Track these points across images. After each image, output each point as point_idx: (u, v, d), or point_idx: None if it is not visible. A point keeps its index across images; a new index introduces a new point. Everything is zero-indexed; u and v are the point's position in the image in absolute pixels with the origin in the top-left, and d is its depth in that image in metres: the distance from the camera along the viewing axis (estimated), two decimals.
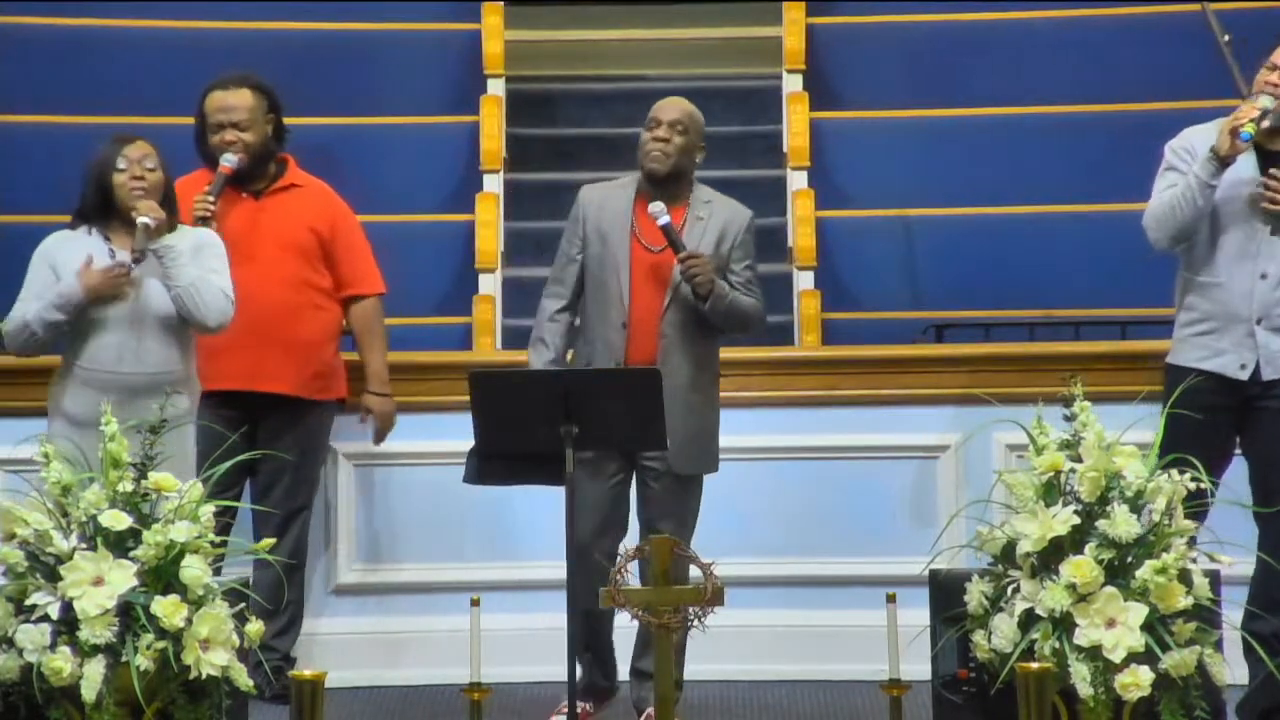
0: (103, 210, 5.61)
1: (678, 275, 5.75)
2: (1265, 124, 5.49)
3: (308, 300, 6.14)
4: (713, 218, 5.84)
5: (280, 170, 6.24)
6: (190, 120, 6.30)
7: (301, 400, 6.12)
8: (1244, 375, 5.55)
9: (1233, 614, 5.14)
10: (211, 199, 5.97)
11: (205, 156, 6.20)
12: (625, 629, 5.76)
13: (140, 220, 5.50)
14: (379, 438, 6.37)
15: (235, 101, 6.17)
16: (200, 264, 5.60)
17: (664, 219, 5.72)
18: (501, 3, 8.94)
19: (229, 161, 6.07)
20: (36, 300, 5.57)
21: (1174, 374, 5.58)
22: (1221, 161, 5.48)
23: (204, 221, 5.92)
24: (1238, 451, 5.61)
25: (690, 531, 5.78)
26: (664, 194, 5.80)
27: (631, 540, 5.72)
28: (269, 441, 5.93)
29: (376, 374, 6.30)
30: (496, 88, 8.72)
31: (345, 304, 6.28)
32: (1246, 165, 5.57)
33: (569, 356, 5.93)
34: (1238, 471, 5.54)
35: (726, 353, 6.02)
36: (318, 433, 6.24)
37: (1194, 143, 5.62)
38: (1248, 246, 5.58)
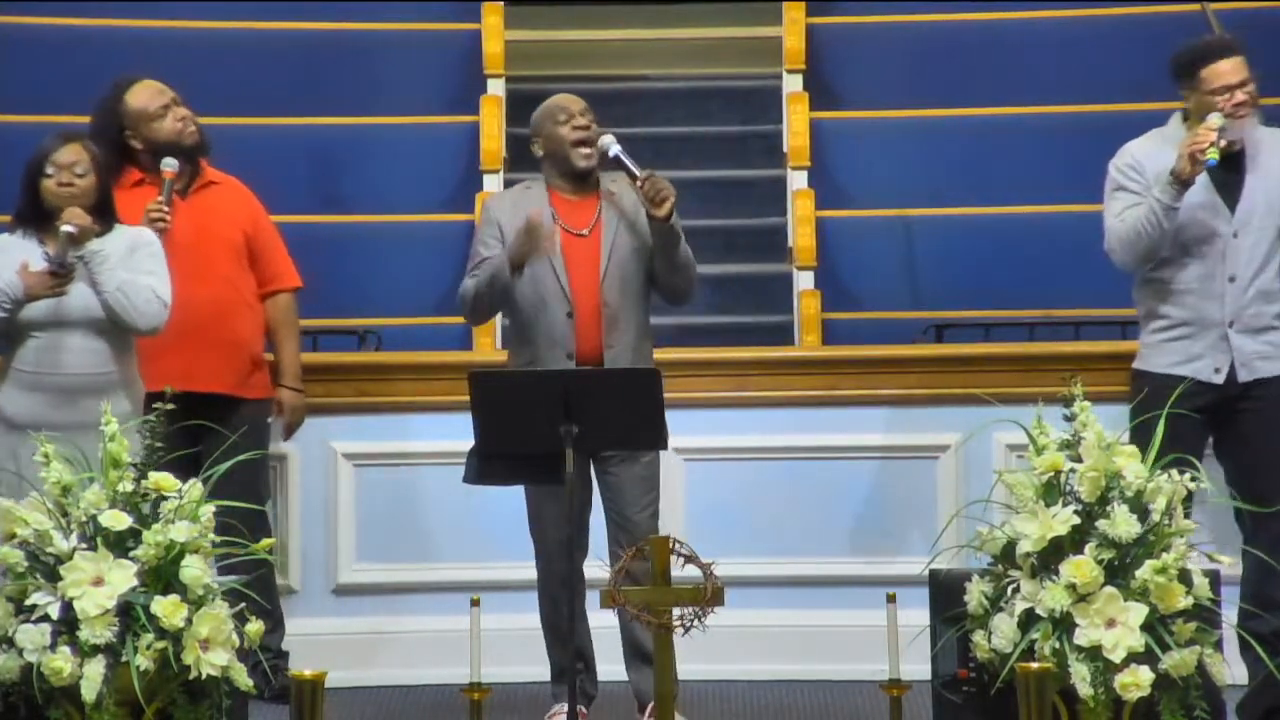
0: (36, 214, 5.61)
1: (608, 244, 5.73)
2: (1223, 142, 5.54)
3: (239, 298, 6.12)
4: (623, 194, 5.84)
5: (197, 167, 6.21)
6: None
7: (240, 399, 6.10)
8: (1219, 379, 5.59)
9: (1232, 614, 5.15)
10: (168, 207, 5.93)
11: (119, 166, 6.10)
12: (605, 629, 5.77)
13: (63, 229, 5.48)
14: (288, 433, 6.35)
15: (159, 84, 6.17)
16: (133, 266, 5.58)
17: (615, 148, 5.73)
18: (501, 3, 8.93)
19: (171, 166, 6.00)
20: None
21: (1143, 380, 5.63)
22: (1183, 184, 5.53)
23: (161, 232, 5.86)
24: (1208, 452, 5.64)
25: (656, 516, 5.79)
26: (579, 186, 5.82)
27: (599, 537, 5.75)
28: (214, 442, 5.85)
29: (290, 368, 6.28)
30: (496, 88, 8.71)
31: (263, 299, 6.26)
32: (1200, 176, 5.61)
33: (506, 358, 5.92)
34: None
35: (726, 352, 6.03)
36: (261, 430, 6.16)
37: (1138, 158, 5.68)
38: (1214, 251, 5.63)
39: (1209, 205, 5.64)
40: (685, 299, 5.95)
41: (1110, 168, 5.74)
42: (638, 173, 5.70)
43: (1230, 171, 5.64)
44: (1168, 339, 5.68)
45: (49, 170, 5.56)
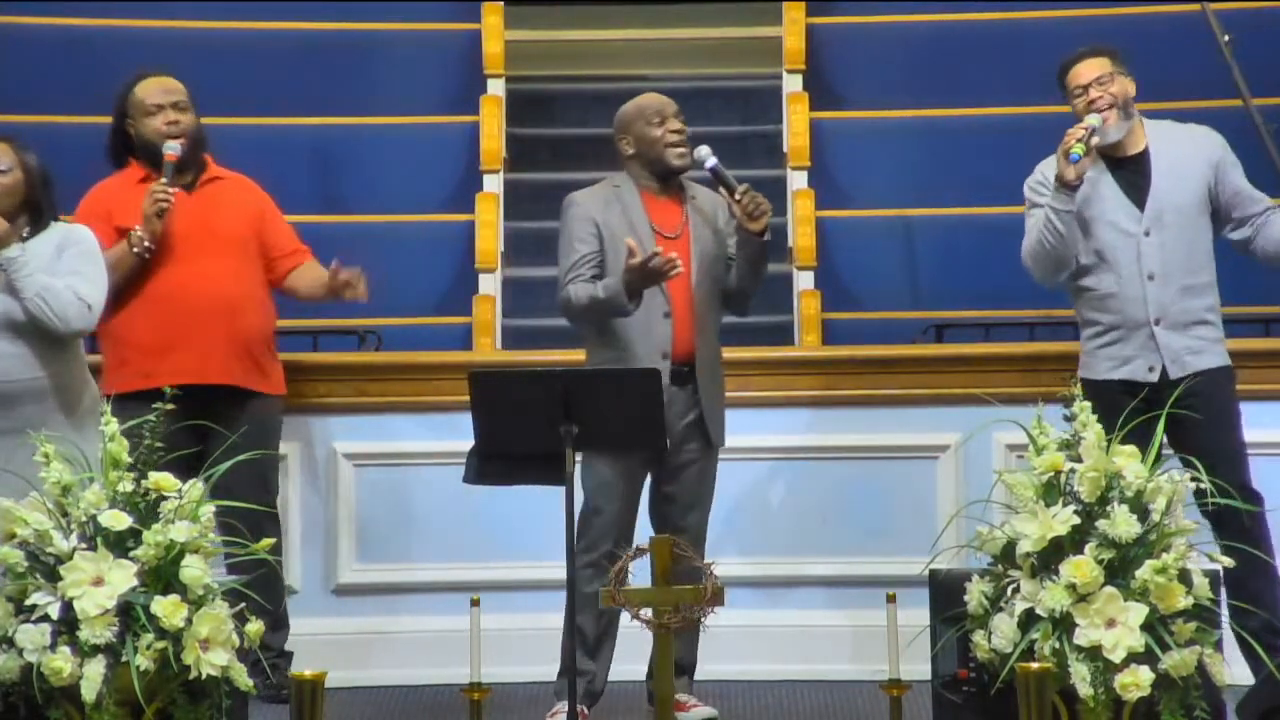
0: None
1: (697, 250, 5.75)
2: (1095, 141, 5.66)
3: (245, 292, 6.08)
4: (702, 197, 5.88)
5: (203, 164, 6.21)
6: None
7: (250, 393, 6.08)
8: (1153, 377, 5.65)
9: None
10: (171, 189, 5.94)
11: (120, 153, 6.15)
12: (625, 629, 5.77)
13: None
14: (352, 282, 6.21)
15: (174, 85, 6.15)
16: (58, 268, 5.48)
17: (711, 160, 5.75)
18: (501, 3, 8.94)
19: (173, 149, 6.01)
20: None
21: (1089, 388, 5.63)
22: (1068, 186, 5.60)
23: (160, 215, 5.89)
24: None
25: (709, 516, 5.83)
26: (666, 186, 5.84)
27: (644, 529, 5.74)
28: (221, 437, 5.86)
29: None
30: (496, 88, 8.71)
31: (288, 275, 6.23)
32: (1102, 178, 5.73)
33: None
34: None
35: (727, 352, 6.02)
36: (270, 426, 6.14)
37: (1045, 174, 5.78)
38: (1129, 252, 5.69)
39: (1119, 208, 5.73)
40: (748, 310, 6.01)
41: (1024, 188, 5.83)
42: (735, 186, 5.71)
43: (1137, 172, 5.74)
44: (1101, 344, 5.75)
45: None
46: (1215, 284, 5.79)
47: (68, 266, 5.50)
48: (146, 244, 5.93)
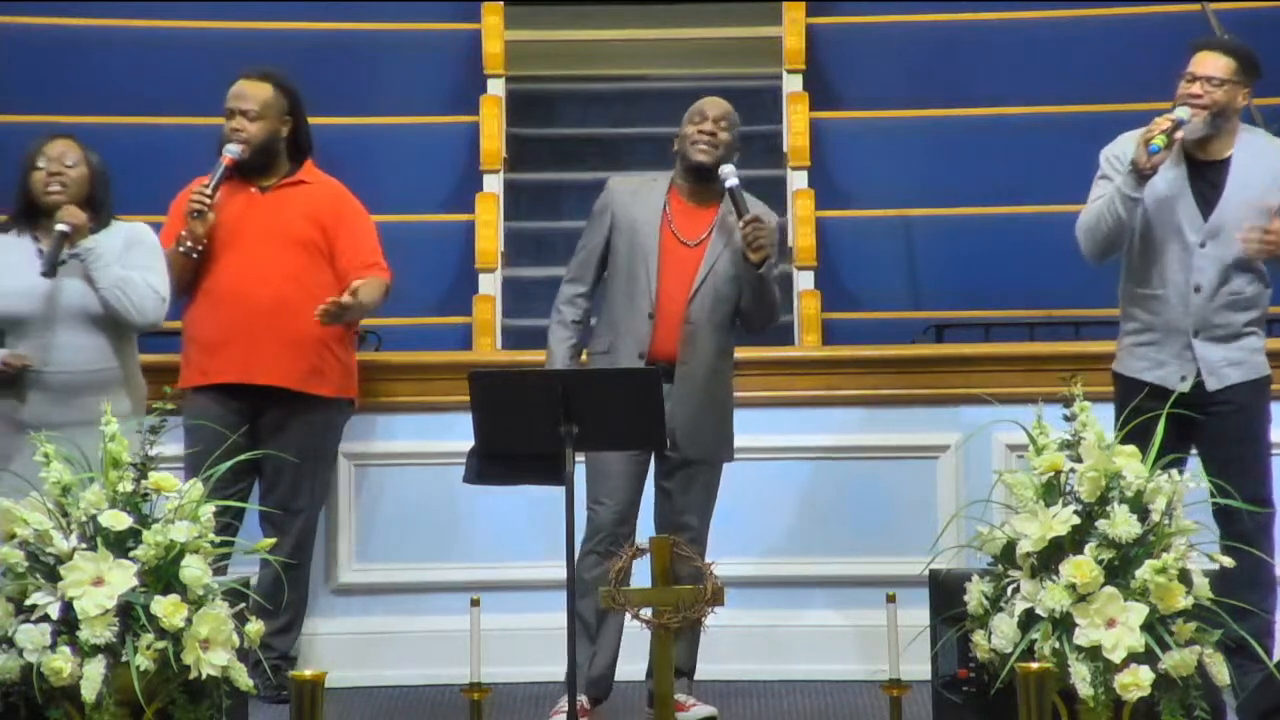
0: (28, 211, 5.61)
1: (709, 263, 5.79)
2: (1179, 135, 5.58)
3: (306, 294, 6.04)
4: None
5: (294, 168, 6.21)
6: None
7: (303, 395, 6.09)
8: (1185, 387, 5.61)
9: None
10: (209, 192, 5.97)
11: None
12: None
13: (57, 228, 5.50)
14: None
15: (251, 91, 6.15)
16: (129, 263, 5.59)
17: (732, 180, 5.78)
18: (501, 3, 8.94)
19: (230, 152, 6.06)
20: None
21: (1120, 383, 5.65)
22: (1140, 174, 5.54)
23: (197, 215, 5.92)
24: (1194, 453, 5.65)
25: (708, 523, 5.85)
26: (700, 191, 5.85)
27: (646, 531, 5.75)
28: (270, 437, 5.94)
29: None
30: (496, 88, 8.72)
31: None
32: (1177, 176, 5.64)
33: (583, 356, 5.95)
34: None
35: None
36: (322, 429, 6.17)
37: (1126, 151, 5.67)
38: (1181, 259, 5.66)
39: (1184, 212, 5.66)
40: (761, 333, 6.03)
41: (1100, 155, 5.76)
42: (745, 212, 5.74)
43: (1212, 182, 5.67)
44: (1137, 343, 5.73)
45: (39, 163, 5.58)
46: (1265, 295, 5.72)
47: (138, 261, 5.62)
48: (189, 243, 5.95)
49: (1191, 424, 5.53)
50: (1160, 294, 5.67)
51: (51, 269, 5.48)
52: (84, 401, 5.41)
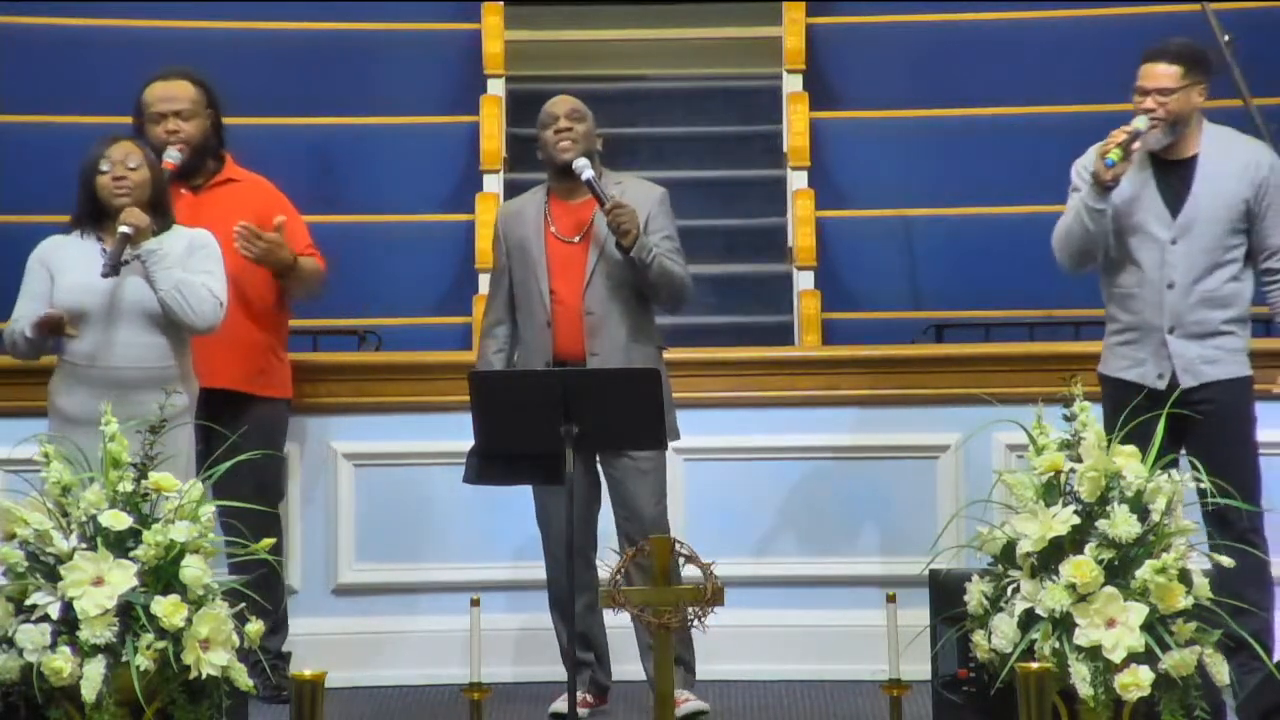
0: (93, 213, 5.62)
1: (595, 252, 5.83)
2: (1136, 146, 5.59)
3: (248, 296, 6.06)
4: (625, 195, 5.90)
5: (218, 166, 6.21)
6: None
7: (250, 396, 6.08)
8: (1161, 385, 5.62)
9: None
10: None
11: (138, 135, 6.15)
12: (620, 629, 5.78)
13: (120, 229, 5.49)
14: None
15: (177, 92, 6.15)
16: (191, 266, 5.60)
17: (587, 173, 5.84)
18: (501, 3, 8.93)
19: (172, 158, 6.03)
20: (32, 303, 5.58)
21: (1104, 383, 5.67)
22: (1102, 186, 5.57)
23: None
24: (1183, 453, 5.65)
25: (664, 508, 5.86)
26: (575, 189, 5.90)
27: (606, 531, 5.79)
28: (221, 439, 5.87)
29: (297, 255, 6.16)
30: (496, 88, 8.71)
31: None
32: (1145, 177, 5.67)
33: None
34: None
35: (727, 352, 6.03)
36: (271, 430, 6.13)
37: (1093, 159, 5.70)
38: (1154, 256, 5.67)
39: (1153, 213, 5.69)
40: (672, 308, 6.08)
41: (1071, 168, 5.78)
42: (604, 200, 5.79)
43: (1180, 178, 5.69)
44: (1118, 343, 5.76)
45: (104, 166, 5.58)
46: (1245, 294, 5.72)
47: (199, 265, 5.62)
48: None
49: (1178, 423, 5.55)
50: (1136, 292, 5.70)
51: (113, 269, 5.49)
52: (141, 398, 5.39)
